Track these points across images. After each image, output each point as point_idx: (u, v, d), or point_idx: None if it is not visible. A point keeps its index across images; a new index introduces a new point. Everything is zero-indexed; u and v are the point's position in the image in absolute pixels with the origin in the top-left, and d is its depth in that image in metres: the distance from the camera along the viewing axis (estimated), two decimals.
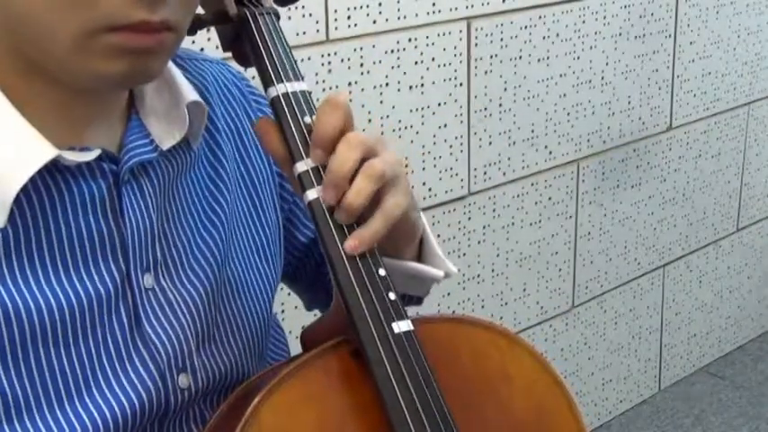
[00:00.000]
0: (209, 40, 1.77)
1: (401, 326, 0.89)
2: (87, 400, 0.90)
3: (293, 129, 0.93)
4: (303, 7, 2.04)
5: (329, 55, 2.13)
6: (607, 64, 2.79)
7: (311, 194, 0.91)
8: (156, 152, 0.95)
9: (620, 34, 2.80)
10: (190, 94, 0.98)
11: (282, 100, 0.95)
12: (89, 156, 0.89)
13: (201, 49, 1.76)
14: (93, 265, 0.91)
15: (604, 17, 2.74)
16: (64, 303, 0.88)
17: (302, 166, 0.92)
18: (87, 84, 0.87)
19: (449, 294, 2.56)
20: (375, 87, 2.23)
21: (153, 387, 0.93)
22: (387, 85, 2.26)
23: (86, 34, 0.82)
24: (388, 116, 2.27)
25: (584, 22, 2.68)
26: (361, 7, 2.17)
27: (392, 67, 2.26)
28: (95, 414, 0.89)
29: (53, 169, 0.87)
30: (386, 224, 0.91)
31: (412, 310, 0.95)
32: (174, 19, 0.85)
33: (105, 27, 0.82)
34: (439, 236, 2.48)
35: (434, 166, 2.42)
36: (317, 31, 2.10)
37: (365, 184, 0.90)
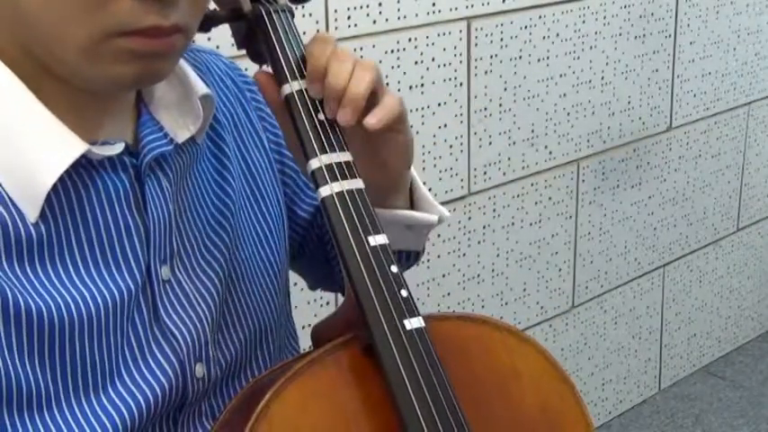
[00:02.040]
0: (209, 39, 1.76)
1: (413, 323, 0.90)
2: (111, 393, 0.90)
3: (307, 125, 0.94)
4: (303, 7, 2.04)
5: None
6: (607, 64, 2.79)
7: (324, 191, 0.92)
8: (172, 145, 0.96)
9: (620, 34, 2.80)
10: (201, 86, 0.98)
11: (297, 97, 0.96)
12: (114, 150, 0.90)
13: None
14: (122, 260, 0.91)
15: (604, 17, 2.74)
16: (98, 298, 0.89)
17: (316, 163, 0.93)
18: (97, 86, 0.87)
19: (449, 294, 2.56)
20: None
21: (173, 376, 0.94)
22: (387, 85, 2.25)
23: (97, 39, 0.82)
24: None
25: (584, 22, 2.68)
26: (361, 7, 2.17)
27: (392, 67, 2.26)
28: (120, 405, 0.90)
29: (78, 164, 0.87)
30: (397, 103, 0.99)
31: (421, 309, 0.95)
32: (184, 22, 0.85)
33: (116, 32, 0.82)
34: (439, 236, 2.48)
35: (434, 166, 2.42)
36: (317, 31, 2.09)
37: (363, 73, 0.96)
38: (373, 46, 2.21)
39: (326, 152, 0.93)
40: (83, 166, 0.88)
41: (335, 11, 2.12)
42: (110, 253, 0.90)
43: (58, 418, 0.86)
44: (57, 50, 0.83)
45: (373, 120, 0.96)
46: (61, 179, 0.86)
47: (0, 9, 0.83)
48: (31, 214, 0.85)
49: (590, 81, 2.75)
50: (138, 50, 0.83)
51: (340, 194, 0.92)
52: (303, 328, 2.20)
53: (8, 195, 0.84)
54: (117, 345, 0.90)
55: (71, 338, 0.87)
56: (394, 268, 0.91)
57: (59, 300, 0.86)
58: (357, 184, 0.93)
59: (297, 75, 0.97)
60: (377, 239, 0.91)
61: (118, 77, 0.84)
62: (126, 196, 0.91)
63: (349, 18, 2.15)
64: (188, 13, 0.85)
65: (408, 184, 1.09)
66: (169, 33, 0.84)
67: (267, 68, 1.01)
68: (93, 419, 0.88)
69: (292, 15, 1.02)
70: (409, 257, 1.16)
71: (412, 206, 1.10)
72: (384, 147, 1.02)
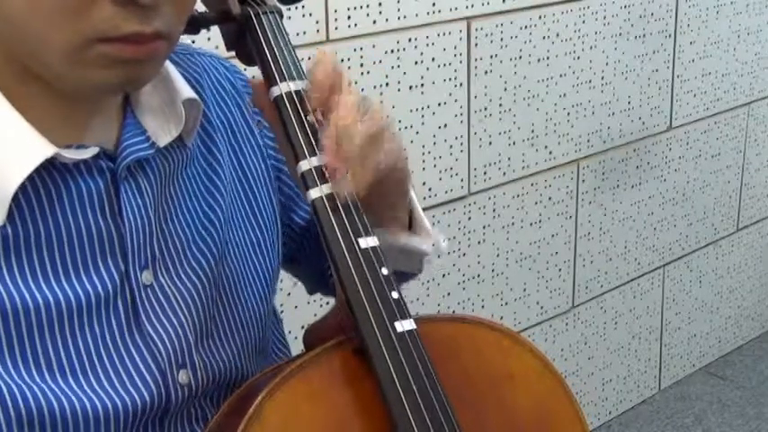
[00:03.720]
0: (209, 39, 1.76)
1: (404, 325, 0.89)
2: (86, 385, 0.90)
3: (296, 127, 0.94)
4: (303, 7, 2.04)
5: None
6: (607, 64, 2.79)
7: (314, 193, 0.91)
8: (153, 149, 0.96)
9: (620, 34, 2.80)
10: (185, 90, 0.98)
11: (285, 99, 0.95)
12: (86, 153, 0.89)
13: None
14: (92, 263, 0.91)
15: (604, 17, 2.73)
16: (62, 301, 0.88)
17: (305, 164, 0.92)
18: (81, 91, 0.87)
19: (449, 294, 2.56)
20: (375, 87, 2.23)
21: (153, 383, 0.94)
22: (387, 85, 2.25)
23: (79, 45, 0.82)
24: (387, 116, 2.26)
25: (584, 22, 2.68)
26: (361, 7, 2.17)
27: (392, 67, 2.26)
28: (96, 401, 0.89)
29: (51, 168, 0.87)
30: (398, 150, 0.96)
31: (415, 309, 0.95)
32: (166, 28, 0.85)
33: (98, 38, 0.82)
34: None
35: (434, 166, 2.42)
36: (317, 31, 2.09)
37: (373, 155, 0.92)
38: (373, 46, 2.21)
39: (316, 154, 0.93)
40: (56, 169, 0.88)
41: (335, 11, 2.12)
42: (80, 256, 0.90)
43: (33, 408, 0.86)
44: (39, 54, 0.83)
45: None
46: (32, 181, 0.86)
47: None
48: None
49: (590, 81, 2.75)
50: (121, 56, 0.83)
51: (330, 196, 0.91)
52: (302, 327, 2.19)
53: None
54: (90, 348, 0.90)
55: (31, 338, 0.86)
56: (384, 270, 0.91)
57: (20, 301, 0.86)
58: None
59: (285, 76, 0.96)
60: (367, 241, 0.91)
61: (100, 82, 0.85)
62: (99, 200, 0.91)
63: (349, 18, 2.15)
64: (171, 18, 0.85)
65: (407, 211, 1.07)
66: (151, 40, 0.84)
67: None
68: (67, 410, 0.87)
69: (281, 16, 1.02)
70: (406, 277, 1.14)
71: (410, 229, 1.08)
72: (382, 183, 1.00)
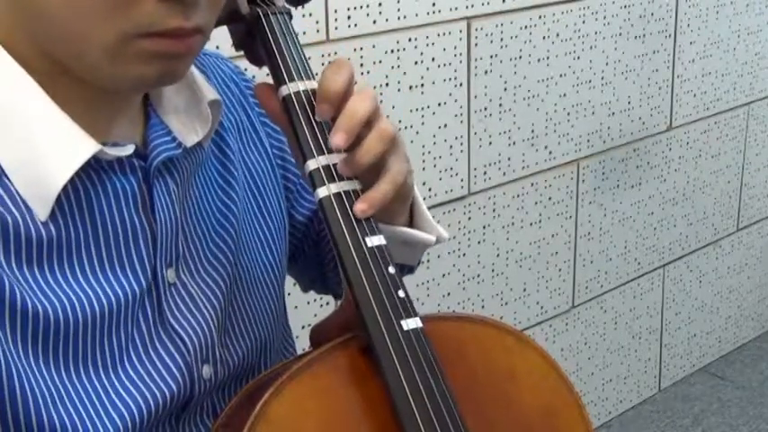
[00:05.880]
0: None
1: (410, 323, 0.90)
2: (119, 388, 0.90)
3: (304, 127, 0.94)
4: (303, 7, 2.04)
5: (329, 55, 2.13)
6: (607, 64, 2.79)
7: (322, 192, 0.92)
8: (180, 149, 0.96)
9: (620, 34, 2.80)
10: (209, 92, 0.99)
11: (294, 98, 0.95)
12: (125, 151, 0.90)
13: None
14: (127, 261, 0.92)
15: (604, 17, 2.74)
16: (103, 299, 0.89)
17: (313, 164, 0.93)
18: (116, 85, 0.87)
19: (449, 294, 2.56)
20: (375, 87, 2.23)
21: (181, 379, 0.94)
22: (387, 85, 2.25)
23: (120, 40, 0.82)
24: (388, 116, 2.26)
25: (584, 22, 2.68)
26: (361, 7, 2.17)
27: (392, 67, 2.26)
28: (128, 399, 0.90)
29: (88, 165, 0.87)
30: (393, 188, 0.95)
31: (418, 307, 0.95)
32: (203, 23, 0.85)
33: (139, 33, 0.82)
34: None
35: (434, 166, 2.42)
36: (317, 31, 2.09)
37: (376, 144, 0.93)
38: (373, 46, 2.21)
39: (324, 153, 0.93)
40: (92, 168, 0.88)
41: (335, 11, 2.12)
42: (116, 254, 0.91)
43: (71, 409, 0.86)
44: (77, 49, 0.83)
45: (361, 206, 0.92)
46: (71, 180, 0.86)
47: (15, 8, 0.83)
48: (42, 214, 0.85)
49: (590, 81, 2.76)
50: (160, 51, 0.83)
51: (337, 195, 0.92)
52: (303, 327, 2.20)
53: (19, 195, 0.84)
54: (121, 345, 0.91)
55: (75, 338, 0.87)
56: (391, 269, 0.91)
57: (65, 301, 0.86)
58: (354, 184, 0.93)
59: (294, 76, 0.97)
60: (374, 240, 0.91)
61: (138, 77, 0.84)
62: (134, 198, 0.92)
63: (349, 18, 2.15)
64: (207, 13, 0.85)
65: (409, 204, 1.08)
66: (190, 35, 0.84)
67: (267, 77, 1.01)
68: (101, 411, 0.88)
69: (290, 17, 1.02)
70: (402, 270, 1.15)
71: (411, 222, 1.09)
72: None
